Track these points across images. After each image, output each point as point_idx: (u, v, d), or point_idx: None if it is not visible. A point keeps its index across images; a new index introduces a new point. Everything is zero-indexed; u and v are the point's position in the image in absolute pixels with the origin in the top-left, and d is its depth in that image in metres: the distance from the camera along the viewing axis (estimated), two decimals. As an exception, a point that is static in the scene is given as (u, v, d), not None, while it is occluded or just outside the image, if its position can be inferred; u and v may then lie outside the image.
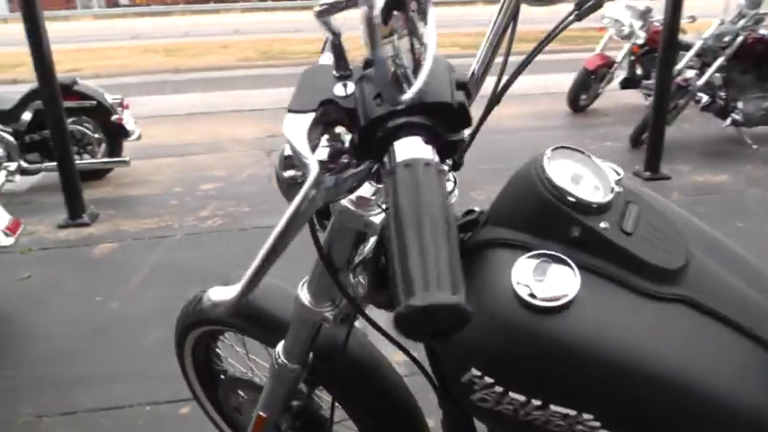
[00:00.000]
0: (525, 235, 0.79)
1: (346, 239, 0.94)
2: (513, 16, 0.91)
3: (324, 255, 0.93)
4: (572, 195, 0.77)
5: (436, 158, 0.56)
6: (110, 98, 4.66)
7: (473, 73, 0.95)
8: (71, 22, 16.08)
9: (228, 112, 7.01)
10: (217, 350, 1.66)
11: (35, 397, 2.38)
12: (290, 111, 0.67)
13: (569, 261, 0.74)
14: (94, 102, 4.57)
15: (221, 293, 0.72)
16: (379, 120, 0.58)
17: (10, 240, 2.83)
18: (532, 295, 0.72)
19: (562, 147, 0.84)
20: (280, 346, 1.22)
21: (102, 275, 3.31)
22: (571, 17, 0.87)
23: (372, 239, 0.94)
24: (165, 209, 4.24)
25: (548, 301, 0.72)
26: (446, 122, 0.57)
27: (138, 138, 4.82)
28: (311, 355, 1.21)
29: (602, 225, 0.76)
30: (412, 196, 0.50)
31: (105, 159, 4.72)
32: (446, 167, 0.56)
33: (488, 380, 0.75)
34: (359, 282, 0.99)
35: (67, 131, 3.95)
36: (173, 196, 4.49)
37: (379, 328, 0.94)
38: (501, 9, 0.92)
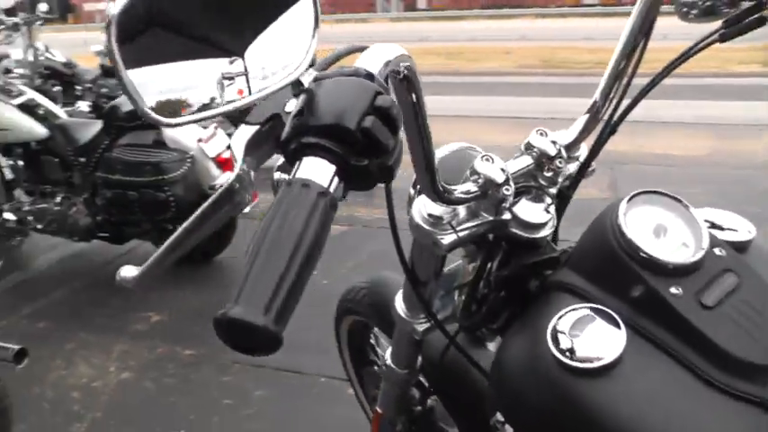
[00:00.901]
0: (590, 285, 0.73)
1: (428, 252, 0.92)
2: (645, 33, 0.86)
3: (407, 266, 0.92)
4: (643, 251, 0.70)
5: (334, 183, 0.54)
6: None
7: (596, 98, 0.92)
8: (369, 24, 17.60)
9: (494, 118, 7.07)
10: (371, 340, 1.71)
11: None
12: (245, 122, 0.71)
13: (618, 320, 0.66)
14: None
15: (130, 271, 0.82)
16: (289, 136, 0.57)
17: (248, 209, 3.23)
18: (569, 351, 0.66)
19: (651, 191, 0.76)
20: (389, 349, 1.23)
21: (325, 254, 3.57)
22: (714, 36, 0.79)
23: (472, 265, 0.94)
24: (401, 202, 4.43)
25: (581, 361, 0.65)
26: (352, 147, 0.54)
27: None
28: (419, 360, 1.20)
29: (673, 290, 0.67)
30: (280, 214, 0.50)
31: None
32: (337, 199, 0.53)
33: (509, 429, 0.73)
34: (452, 300, 1.00)
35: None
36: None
37: (456, 345, 0.95)
38: (633, 23, 0.86)
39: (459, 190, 0.81)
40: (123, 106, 3.35)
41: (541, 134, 0.90)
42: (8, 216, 3.70)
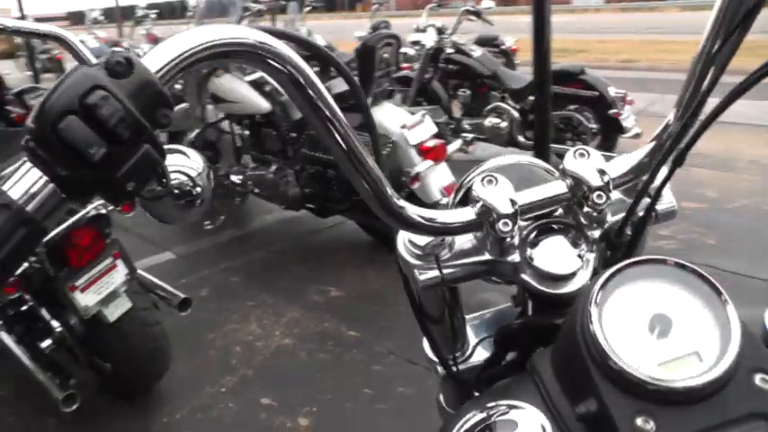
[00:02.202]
0: (554, 380, 0.58)
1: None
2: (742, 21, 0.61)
3: (415, 306, 0.79)
4: (611, 357, 0.51)
5: (39, 196, 0.45)
6: (612, 91, 4.65)
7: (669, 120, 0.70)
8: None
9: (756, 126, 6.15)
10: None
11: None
12: None
13: None
14: (596, 93, 4.65)
15: None
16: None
17: (445, 200, 3.23)
18: None
19: (654, 260, 0.56)
20: None
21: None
22: None
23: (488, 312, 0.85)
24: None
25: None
26: (53, 153, 0.44)
27: (636, 136, 4.68)
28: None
29: (639, 423, 0.48)
30: None
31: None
32: (35, 219, 0.45)
33: None
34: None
35: (549, 118, 4.14)
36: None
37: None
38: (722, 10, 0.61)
39: (449, 217, 0.66)
40: (334, 88, 3.54)
41: (582, 155, 0.68)
42: (234, 178, 4.16)
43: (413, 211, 0.64)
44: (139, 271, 2.58)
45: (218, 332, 3.05)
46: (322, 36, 6.13)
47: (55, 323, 2.20)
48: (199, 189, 0.94)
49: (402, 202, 0.64)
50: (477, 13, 5.23)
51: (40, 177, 0.44)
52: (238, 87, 3.85)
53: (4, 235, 0.43)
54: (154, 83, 0.46)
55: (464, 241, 0.70)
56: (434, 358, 0.85)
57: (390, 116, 3.41)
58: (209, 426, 2.42)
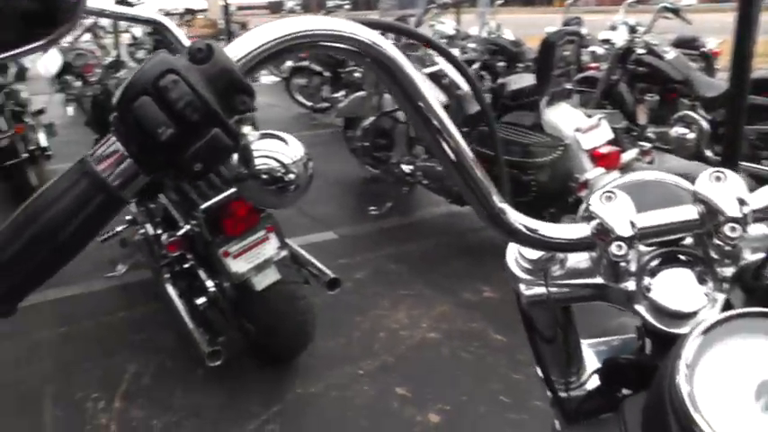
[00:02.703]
0: None
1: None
2: None
3: (525, 321, 0.77)
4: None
5: (119, 169, 0.48)
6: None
7: None
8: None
9: None
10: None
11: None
12: None
13: None
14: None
15: None
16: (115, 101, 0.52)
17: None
18: None
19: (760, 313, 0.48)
20: None
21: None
22: None
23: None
24: None
25: None
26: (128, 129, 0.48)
27: None
28: None
29: None
30: (52, 185, 0.48)
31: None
32: (115, 190, 0.47)
33: None
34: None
35: (742, 132, 3.75)
36: None
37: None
38: None
39: (558, 231, 0.61)
40: (510, 84, 3.48)
41: (718, 178, 0.59)
42: (404, 167, 4.24)
43: (515, 218, 0.61)
44: (295, 246, 2.73)
45: (365, 316, 3.14)
46: (511, 31, 6.05)
47: (210, 283, 2.40)
48: (292, 176, 0.97)
49: (504, 206, 0.60)
50: (676, 11, 4.82)
51: (120, 151, 0.48)
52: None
53: (83, 201, 0.47)
54: (232, 70, 0.48)
55: (578, 260, 0.66)
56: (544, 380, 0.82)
57: (565, 118, 3.29)
58: (341, 404, 2.50)
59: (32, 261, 0.47)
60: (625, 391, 0.68)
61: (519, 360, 2.72)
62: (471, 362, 2.77)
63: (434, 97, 0.56)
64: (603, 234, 0.59)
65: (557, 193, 3.30)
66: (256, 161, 0.93)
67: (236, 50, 0.50)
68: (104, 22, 7.44)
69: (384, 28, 0.61)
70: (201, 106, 0.46)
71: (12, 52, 0.56)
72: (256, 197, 0.97)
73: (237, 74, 0.48)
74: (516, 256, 0.68)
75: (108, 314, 3.27)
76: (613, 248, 0.58)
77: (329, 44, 0.54)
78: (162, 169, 0.49)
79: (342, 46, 0.54)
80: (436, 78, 3.88)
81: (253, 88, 0.49)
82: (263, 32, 0.51)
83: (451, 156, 0.58)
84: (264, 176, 0.96)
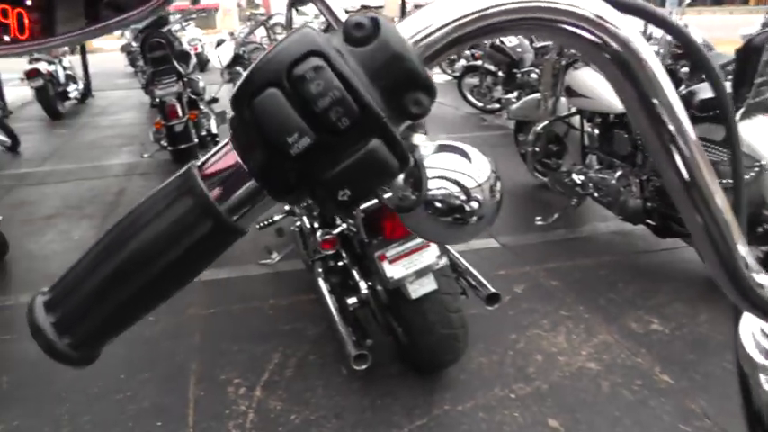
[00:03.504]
0: None
1: None
2: None
3: (751, 417, 0.57)
4: None
5: (240, 188, 0.36)
6: None
7: None
8: None
9: None
10: None
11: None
12: None
13: None
14: None
15: None
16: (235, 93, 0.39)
17: None
18: None
19: None
20: None
21: None
22: None
23: None
24: None
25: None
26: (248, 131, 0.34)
27: None
28: None
29: None
30: (146, 205, 0.36)
31: None
32: (222, 214, 0.32)
33: None
34: None
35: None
36: None
37: None
38: None
39: None
40: (700, 93, 3.13)
41: None
42: (575, 177, 3.97)
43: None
44: (454, 253, 2.58)
45: (522, 334, 2.94)
46: (700, 33, 5.54)
47: (363, 284, 2.33)
48: (475, 204, 0.73)
49: (762, 277, 0.43)
50: None
51: (237, 164, 0.35)
52: (594, 82, 3.64)
53: (184, 227, 0.35)
54: (406, 57, 0.33)
55: None
56: None
57: (764, 134, 2.90)
58: (489, 429, 2.33)
59: (116, 298, 0.35)
60: None
61: (687, 408, 2.42)
62: (632, 402, 2.49)
63: (680, 104, 0.40)
64: None
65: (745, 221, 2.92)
66: (429, 183, 0.70)
67: (413, 29, 0.35)
68: (280, 18, 7.71)
69: (633, 12, 0.42)
70: (355, 106, 0.32)
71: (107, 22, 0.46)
72: (427, 230, 0.75)
73: (414, 62, 0.33)
74: (756, 333, 0.50)
75: (258, 300, 3.32)
76: None
77: (550, 27, 0.37)
78: (291, 192, 0.35)
79: (572, 30, 0.37)
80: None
81: (434, 84, 0.34)
82: (457, 4, 0.36)
83: (691, 189, 0.41)
84: (439, 205, 0.74)
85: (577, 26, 0.37)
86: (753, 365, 0.49)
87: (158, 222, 0.35)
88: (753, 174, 2.85)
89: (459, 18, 0.35)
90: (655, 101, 0.39)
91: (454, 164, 0.74)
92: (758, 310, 0.44)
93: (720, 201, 0.42)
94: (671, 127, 0.40)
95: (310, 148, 0.32)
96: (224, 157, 0.35)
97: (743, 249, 0.43)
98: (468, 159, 0.76)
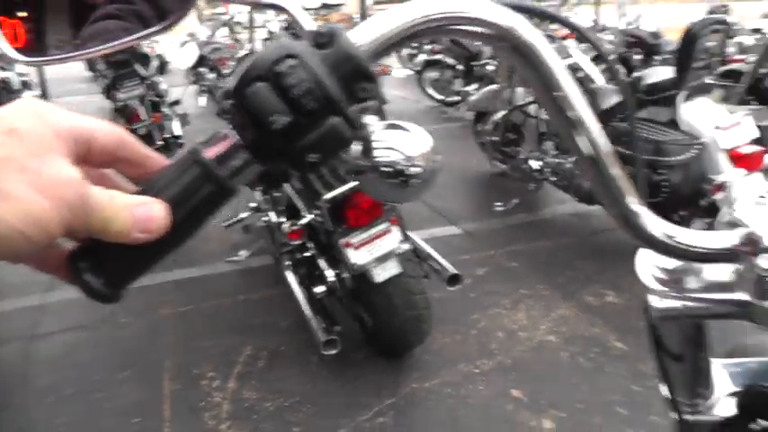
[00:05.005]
0: None
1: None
2: None
3: (650, 335, 0.72)
4: None
5: (232, 158, 0.47)
6: None
7: None
8: None
9: None
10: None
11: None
12: None
13: None
14: None
15: None
16: (232, 87, 0.51)
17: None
18: None
19: None
20: None
21: None
22: None
23: None
24: None
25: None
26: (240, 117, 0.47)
27: None
28: None
29: None
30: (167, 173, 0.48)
31: None
32: (222, 177, 0.47)
33: None
34: None
35: None
36: None
37: None
38: None
39: (699, 239, 0.55)
40: (647, 78, 3.32)
41: None
42: (532, 163, 4.15)
43: (651, 222, 0.55)
44: (417, 239, 2.73)
45: (483, 314, 3.10)
46: (654, 22, 5.76)
47: (329, 273, 2.46)
48: (415, 169, 0.92)
49: (640, 208, 0.55)
50: None
51: (233, 139, 0.47)
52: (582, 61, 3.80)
53: (191, 191, 0.47)
54: (354, 56, 0.46)
55: (720, 273, 0.59)
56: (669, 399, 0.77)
57: (703, 114, 3.09)
58: (455, 402, 2.49)
59: (137, 247, 0.45)
60: (763, 423, 0.63)
61: (639, 371, 2.60)
62: (590, 369, 2.67)
63: (575, 86, 0.51)
64: (751, 244, 0.53)
65: (689, 195, 3.12)
66: (378, 152, 0.88)
67: (361, 35, 0.48)
68: (241, 17, 7.75)
69: (528, 12, 0.55)
70: (320, 93, 0.45)
71: (131, 37, 0.56)
72: (376, 190, 0.92)
73: (361, 60, 0.46)
74: (648, 263, 0.62)
75: (228, 297, 3.43)
76: (760, 261, 0.53)
77: (463, 28, 0.50)
78: (273, 159, 0.48)
79: (477, 30, 0.50)
80: (571, 71, 3.78)
81: (376, 75, 0.47)
82: (392, 16, 0.49)
83: (588, 149, 0.53)
84: (386, 169, 0.91)
85: (474, 23, 0.50)
86: (647, 290, 0.62)
87: (173, 187, 0.47)
88: (694, 151, 3.04)
89: (394, 28, 0.48)
90: (554, 83, 0.51)
91: (399, 137, 0.92)
92: (649, 244, 0.57)
93: (616, 169, 0.54)
94: (573, 112, 0.51)
95: (288, 124, 0.45)
96: (223, 135, 0.48)
97: (635, 202, 0.55)
98: (411, 134, 0.94)
